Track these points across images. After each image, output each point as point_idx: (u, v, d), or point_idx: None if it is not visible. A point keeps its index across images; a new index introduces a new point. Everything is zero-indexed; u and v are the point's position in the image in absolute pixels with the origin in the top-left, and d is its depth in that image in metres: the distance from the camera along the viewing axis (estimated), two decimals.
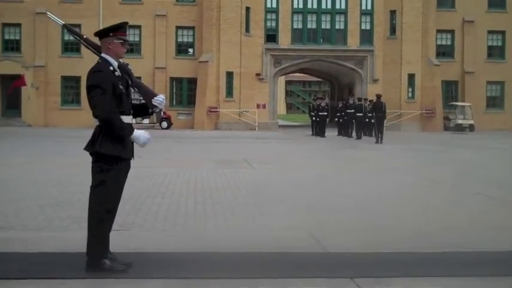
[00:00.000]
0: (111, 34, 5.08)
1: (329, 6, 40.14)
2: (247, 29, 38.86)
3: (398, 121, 38.73)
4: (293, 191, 10.25)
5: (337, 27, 40.06)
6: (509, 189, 10.86)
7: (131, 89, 5.25)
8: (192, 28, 40.47)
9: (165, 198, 9.14)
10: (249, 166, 14.45)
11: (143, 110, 5.34)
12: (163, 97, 5.24)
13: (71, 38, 41.46)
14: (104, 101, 4.87)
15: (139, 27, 40.25)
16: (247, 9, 38.72)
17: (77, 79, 39.88)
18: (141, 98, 5.32)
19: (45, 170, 12.94)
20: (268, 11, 39.72)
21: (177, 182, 11.15)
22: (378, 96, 27.73)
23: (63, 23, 5.46)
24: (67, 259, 5.40)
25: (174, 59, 40.52)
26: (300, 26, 40.01)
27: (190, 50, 41.07)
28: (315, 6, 40.11)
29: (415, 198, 9.66)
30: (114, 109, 4.91)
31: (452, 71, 41.62)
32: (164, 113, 38.08)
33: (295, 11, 39.91)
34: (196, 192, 9.81)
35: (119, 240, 6.21)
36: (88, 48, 5.32)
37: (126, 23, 5.30)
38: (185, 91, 41.07)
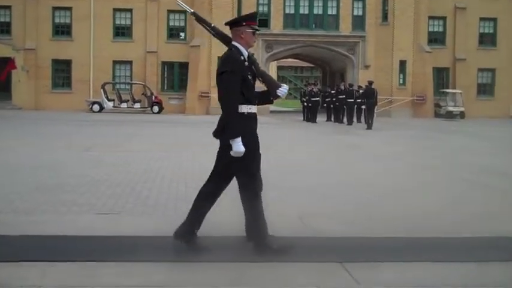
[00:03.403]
0: (243, 24, 5.17)
1: None
2: (239, 14, 38.69)
3: (389, 107, 38.81)
4: (283, 176, 10.27)
5: (329, 12, 39.96)
6: (497, 176, 10.93)
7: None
8: (184, 12, 40.24)
9: (156, 182, 9.15)
10: None
11: (265, 98, 5.40)
12: (287, 87, 5.33)
13: (61, 20, 41.67)
14: (233, 90, 4.98)
15: (130, 10, 40.05)
16: None
17: (68, 62, 39.73)
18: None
19: (35, 154, 12.89)
20: None
21: (168, 166, 11.15)
22: (370, 83, 27.75)
23: (193, 10, 5.51)
24: (56, 242, 5.42)
25: (166, 43, 40.35)
26: (292, 11, 39.88)
27: (182, 34, 40.89)
28: None
29: (404, 184, 9.71)
30: (238, 102, 5.02)
31: (443, 58, 41.67)
32: (155, 97, 38.02)
33: None
34: (187, 176, 9.82)
35: (108, 224, 6.24)
36: (216, 36, 5.38)
37: (256, 12, 5.44)
38: (176, 76, 40.93)
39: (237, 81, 5.00)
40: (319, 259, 5.10)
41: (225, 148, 5.14)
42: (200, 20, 5.38)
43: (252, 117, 5.18)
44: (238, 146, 5.00)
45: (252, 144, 5.13)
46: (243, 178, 5.22)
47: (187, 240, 5.19)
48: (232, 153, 5.01)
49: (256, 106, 5.24)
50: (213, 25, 5.36)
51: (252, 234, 5.26)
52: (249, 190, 5.21)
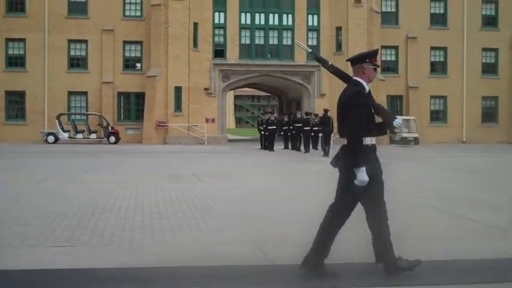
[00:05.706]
0: (367, 60, 5.40)
1: (276, 23, 40.64)
2: (195, 44, 38.93)
3: None
4: (242, 204, 10.29)
5: (284, 43, 40.54)
6: (451, 200, 11.16)
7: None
8: (140, 43, 40.26)
9: (112, 213, 9.07)
10: (197, 180, 14.43)
11: (381, 129, 5.58)
12: (401, 119, 5.54)
13: (15, 52, 41.13)
14: (359, 124, 5.19)
15: (85, 41, 39.84)
16: (195, 24, 38.81)
17: (21, 94, 39.19)
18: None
19: None
20: (216, 26, 39.93)
21: (124, 197, 11.06)
22: (325, 111, 28.11)
23: (311, 50, 5.81)
24: (9, 276, 5.32)
25: (122, 74, 40.19)
26: (248, 42, 40.32)
27: (138, 65, 40.81)
28: (262, 22, 40.54)
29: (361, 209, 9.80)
30: (362, 134, 5.23)
31: (396, 85, 42.56)
32: (112, 127, 37.75)
33: (242, 27, 40.22)
34: (143, 207, 9.76)
35: (64, 256, 6.16)
36: (334, 74, 5.58)
37: (378, 49, 5.80)
38: (133, 106, 40.73)
39: (364, 115, 5.23)
40: (272, 287, 5.12)
41: (348, 173, 5.28)
42: (319, 59, 5.65)
43: (373, 148, 5.40)
44: (363, 175, 5.18)
45: (373, 172, 5.29)
46: (370, 202, 5.46)
47: (316, 269, 5.35)
48: (356, 182, 5.19)
49: (374, 138, 5.43)
50: (330, 63, 5.61)
51: (382, 256, 5.45)
52: (376, 214, 5.51)
